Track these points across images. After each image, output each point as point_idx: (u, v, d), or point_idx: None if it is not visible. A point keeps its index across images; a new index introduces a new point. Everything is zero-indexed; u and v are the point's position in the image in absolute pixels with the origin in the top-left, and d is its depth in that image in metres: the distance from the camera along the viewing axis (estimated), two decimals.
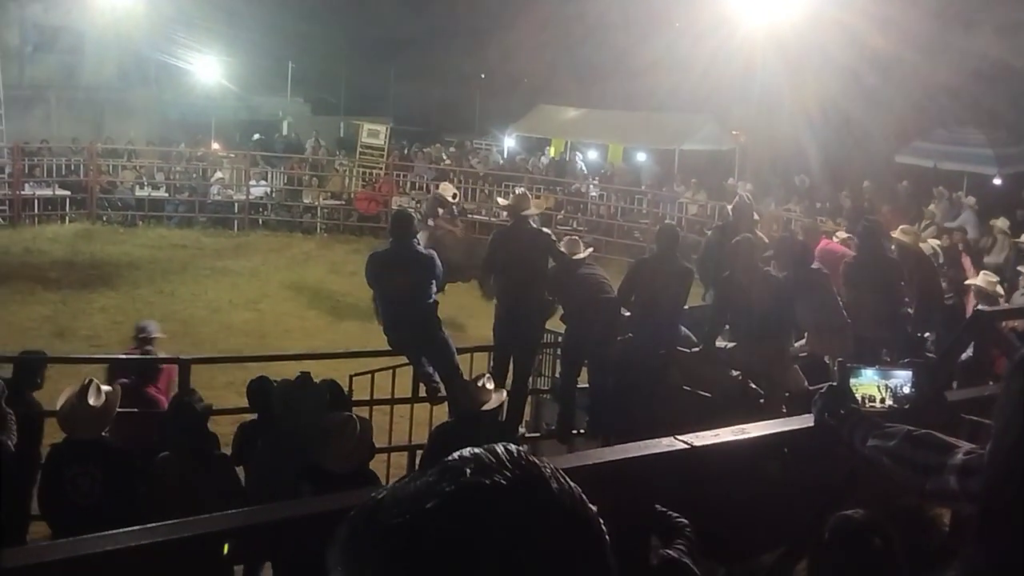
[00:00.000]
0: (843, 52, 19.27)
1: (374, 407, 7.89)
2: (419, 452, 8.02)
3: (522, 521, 0.92)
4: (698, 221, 18.69)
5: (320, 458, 5.24)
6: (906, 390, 3.05)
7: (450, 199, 13.87)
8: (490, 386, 6.37)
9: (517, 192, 9.00)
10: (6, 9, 22.63)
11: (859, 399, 2.94)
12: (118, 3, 24.06)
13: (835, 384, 2.99)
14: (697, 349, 8.10)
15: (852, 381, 2.99)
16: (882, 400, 3.02)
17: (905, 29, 19.00)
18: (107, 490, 5.32)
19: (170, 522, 1.80)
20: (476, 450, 0.99)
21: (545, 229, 8.55)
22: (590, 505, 1.00)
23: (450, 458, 0.98)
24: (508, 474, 0.95)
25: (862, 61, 19.80)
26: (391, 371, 8.29)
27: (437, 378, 8.00)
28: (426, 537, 0.91)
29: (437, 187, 15.39)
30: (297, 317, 14.27)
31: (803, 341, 8.40)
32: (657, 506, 2.61)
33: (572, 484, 0.99)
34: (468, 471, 0.95)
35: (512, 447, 1.01)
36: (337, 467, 5.17)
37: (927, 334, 8.94)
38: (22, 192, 19.70)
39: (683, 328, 8.33)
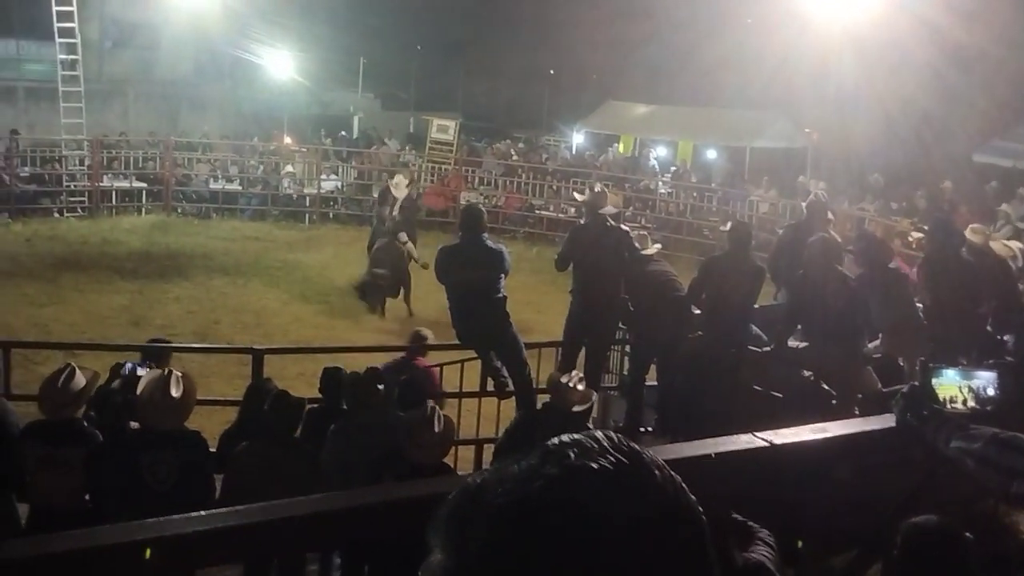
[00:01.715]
0: (922, 47, 18.84)
1: (444, 400, 7.93)
2: (487, 447, 8.09)
3: (627, 506, 0.92)
4: (769, 219, 18.47)
5: (404, 449, 5.32)
6: (990, 392, 2.98)
7: (394, 193, 14.98)
8: (581, 386, 6.36)
9: (595, 188, 8.95)
10: (86, 5, 23.13)
11: (941, 400, 2.88)
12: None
13: (916, 384, 2.94)
14: (768, 348, 8.00)
15: (934, 382, 2.93)
16: (964, 402, 2.95)
17: (989, 23, 18.53)
18: (183, 477, 5.43)
19: (260, 504, 1.82)
20: (576, 435, 1.00)
21: (624, 226, 8.51)
22: (691, 495, 1.00)
23: (551, 442, 0.99)
24: (612, 459, 0.95)
25: (943, 56, 19.34)
26: (459, 365, 8.34)
27: (505, 373, 8.03)
28: (531, 518, 0.91)
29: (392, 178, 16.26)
30: (366, 310, 14.38)
31: (877, 342, 8.26)
32: (735, 514, 2.58)
33: (673, 473, 0.99)
34: (572, 454, 0.95)
35: (612, 433, 1.01)
36: (421, 458, 5.26)
37: (1006, 336, 8.73)
38: (101, 184, 20.16)
39: (754, 327, 8.25)
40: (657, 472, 0.97)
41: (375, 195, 21.59)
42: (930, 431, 2.65)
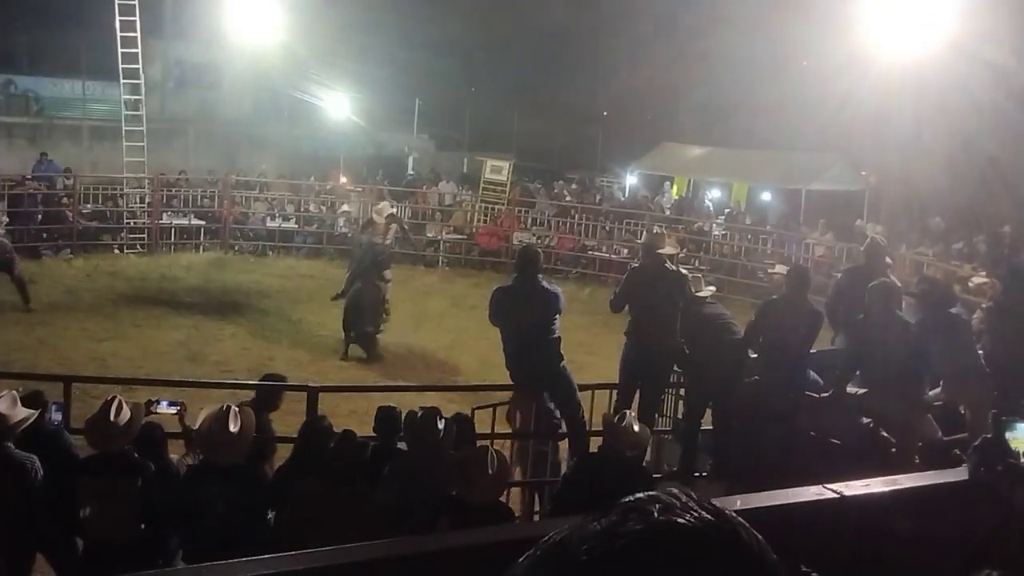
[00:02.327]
0: (985, 89, 18.61)
1: (494, 441, 7.88)
2: (539, 488, 8.03)
3: (715, 564, 0.90)
4: (825, 263, 18.26)
5: (459, 490, 5.29)
6: None
7: (377, 218, 14.83)
8: (636, 427, 6.30)
9: (654, 231, 8.93)
10: (151, 46, 23.70)
11: (1016, 453, 2.79)
12: (255, 41, 24.95)
13: (990, 437, 2.85)
14: (826, 394, 7.87)
15: (1007, 435, 2.84)
16: None
17: None
18: (239, 512, 5.44)
19: (326, 549, 1.80)
20: (654, 492, 0.99)
21: (683, 270, 8.45)
22: (772, 553, 0.97)
23: (630, 498, 0.97)
24: (696, 516, 0.93)
25: (1007, 98, 19.06)
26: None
27: (558, 414, 7.98)
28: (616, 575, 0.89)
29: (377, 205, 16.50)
30: (418, 348, 14.41)
31: (938, 389, 8.08)
32: (803, 567, 2.51)
33: (755, 531, 0.97)
34: (655, 511, 0.93)
35: (688, 491, 1.00)
36: (478, 499, 5.23)
37: None
38: (160, 221, 20.52)
39: (811, 372, 8.12)
40: (742, 530, 0.95)
41: (428, 235, 21.80)
42: (1005, 485, 2.56)
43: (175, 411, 6.50)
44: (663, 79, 28.34)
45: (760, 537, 0.97)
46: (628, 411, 6.75)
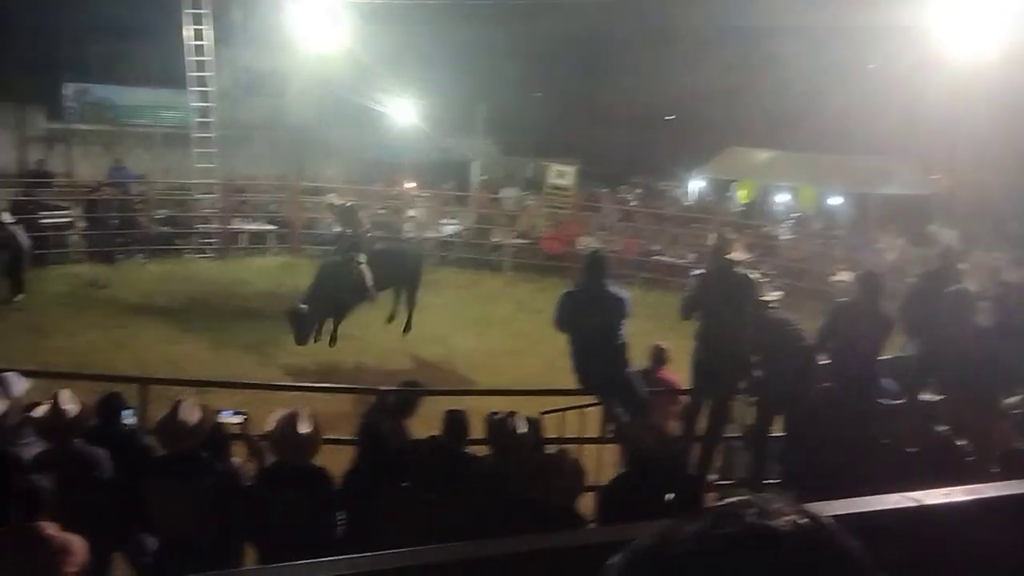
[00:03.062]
0: None
1: (563, 446, 7.88)
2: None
3: (810, 568, 0.90)
4: (896, 268, 17.94)
5: (538, 493, 5.33)
6: None
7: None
8: (651, 434, 6.31)
9: (722, 235, 8.84)
10: (220, 54, 24.09)
11: None
12: (321, 48, 25.25)
13: None
14: (900, 401, 7.73)
15: None
16: None
17: None
18: (309, 515, 5.51)
19: (397, 551, 1.82)
20: (745, 496, 0.99)
21: (752, 274, 8.37)
22: (868, 559, 0.97)
23: (723, 503, 0.98)
24: (791, 520, 0.93)
25: None
26: (581, 410, 8.29)
27: (626, 419, 7.95)
28: None
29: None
30: (484, 353, 14.46)
31: (1018, 397, 7.90)
32: None
33: (850, 537, 0.97)
34: (749, 514, 0.93)
35: (782, 496, 1.00)
36: (556, 502, 5.26)
37: None
38: (230, 226, 20.87)
39: (883, 379, 7.99)
40: (838, 535, 0.95)
41: (494, 239, 21.85)
42: None
43: (239, 420, 6.59)
44: (729, 82, 28.10)
45: (858, 544, 0.97)
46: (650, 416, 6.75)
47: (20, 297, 15.60)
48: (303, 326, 13.06)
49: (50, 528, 5.03)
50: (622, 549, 1.08)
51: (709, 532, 0.93)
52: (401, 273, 14.44)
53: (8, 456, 5.99)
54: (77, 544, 5.04)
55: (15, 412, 6.21)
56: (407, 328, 14.29)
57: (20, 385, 6.80)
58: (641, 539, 0.98)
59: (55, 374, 9.42)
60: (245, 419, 6.58)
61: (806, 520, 0.94)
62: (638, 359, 8.77)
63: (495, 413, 6.87)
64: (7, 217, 16.44)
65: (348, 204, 14.83)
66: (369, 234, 14.57)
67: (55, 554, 4.95)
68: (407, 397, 7.43)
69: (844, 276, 13.39)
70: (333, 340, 13.60)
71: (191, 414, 5.83)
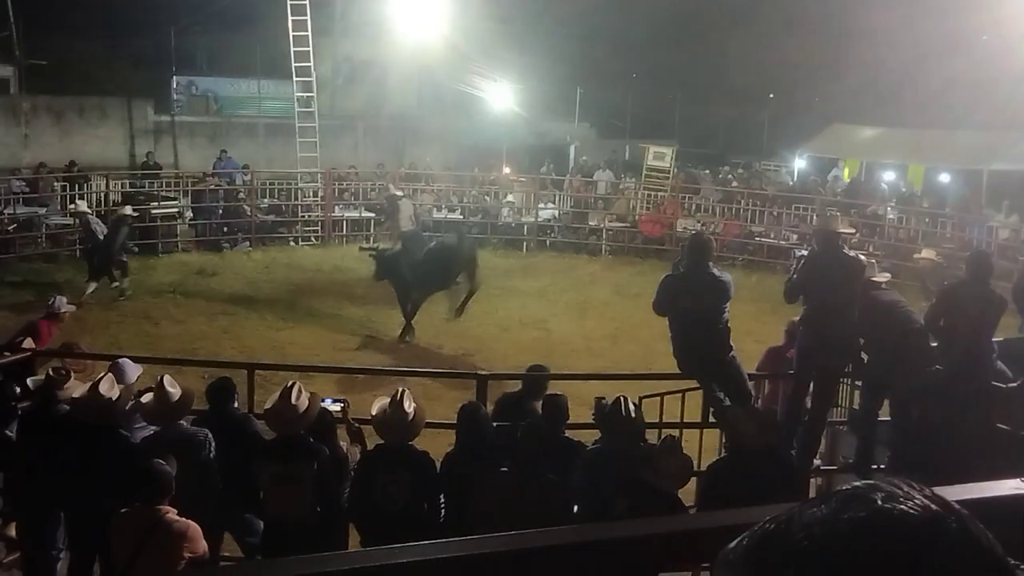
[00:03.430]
0: None
1: (663, 430, 7.81)
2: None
3: (940, 553, 0.87)
4: (1010, 247, 17.33)
5: (648, 476, 5.34)
6: None
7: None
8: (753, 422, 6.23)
9: (826, 215, 8.63)
10: (320, 44, 24.50)
11: None
12: (419, 36, 25.48)
13: None
14: (1015, 384, 7.45)
15: None
16: None
17: None
18: (413, 497, 5.58)
19: (505, 534, 1.81)
20: (872, 480, 0.97)
21: (861, 256, 8.15)
22: (1000, 546, 0.93)
23: (849, 486, 0.95)
24: (921, 504, 0.90)
25: None
26: (680, 395, 8.20)
27: (728, 403, 7.83)
28: (840, 562, 0.88)
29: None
30: (582, 337, 14.43)
31: None
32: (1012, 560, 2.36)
33: (980, 523, 0.93)
34: (878, 498, 0.91)
35: (910, 481, 0.97)
36: (665, 486, 5.27)
37: None
38: (333, 214, 21.21)
39: (998, 362, 7.70)
40: (969, 520, 0.91)
41: (591, 223, 21.77)
42: None
43: (339, 407, 6.67)
44: (831, 58, 27.45)
45: (988, 532, 0.93)
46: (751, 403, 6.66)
47: (93, 287, 15.53)
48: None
49: (170, 512, 5.18)
50: (727, 535, 1.06)
51: (836, 516, 0.91)
52: (456, 264, 14.32)
53: (132, 440, 6.21)
54: (195, 530, 5.18)
55: (128, 397, 6.43)
56: (460, 312, 14.20)
57: (133, 371, 7.03)
58: (761, 524, 0.96)
59: (165, 360, 9.73)
60: (344, 405, 6.66)
61: (937, 505, 0.91)
62: (739, 343, 8.64)
63: (602, 398, 6.86)
64: (83, 206, 17.00)
65: (399, 196, 15.04)
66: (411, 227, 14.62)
67: (174, 538, 5.10)
68: (537, 382, 7.44)
69: (928, 254, 12.97)
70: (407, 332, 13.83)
71: (301, 400, 5.94)
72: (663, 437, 5.85)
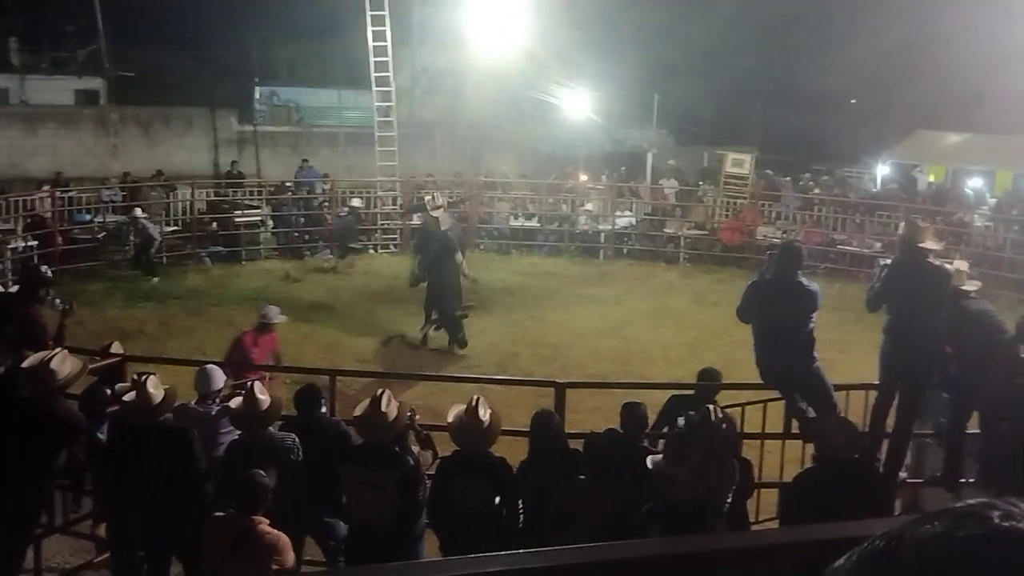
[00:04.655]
0: None
1: (744, 441, 7.71)
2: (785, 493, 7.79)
3: None
4: None
5: (666, 490, 5.31)
6: None
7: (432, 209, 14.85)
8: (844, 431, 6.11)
9: (912, 223, 8.44)
10: (399, 54, 24.74)
11: None
12: (495, 44, 25.58)
13: None
14: None
15: None
16: None
17: None
18: (492, 503, 5.60)
19: (593, 545, 1.81)
20: (987, 500, 0.94)
21: (947, 265, 7.96)
22: None
23: (963, 504, 0.93)
24: None
25: None
26: (762, 405, 8.09)
27: (811, 414, 7.70)
28: None
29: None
30: (660, 345, 14.33)
31: None
32: None
33: None
34: (995, 516, 0.88)
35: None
36: (674, 495, 5.23)
37: None
38: (411, 222, 21.37)
39: None
40: None
41: (667, 230, 21.62)
42: None
43: (408, 414, 6.71)
44: (915, 63, 26.85)
45: None
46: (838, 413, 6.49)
47: (155, 280, 17.37)
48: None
49: (263, 523, 5.23)
50: (813, 550, 1.04)
51: (951, 534, 0.88)
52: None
53: (196, 443, 6.31)
54: (285, 543, 5.23)
55: (174, 398, 6.52)
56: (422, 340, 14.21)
57: (219, 377, 7.17)
58: (871, 541, 0.94)
59: (250, 366, 9.89)
60: (412, 413, 6.69)
61: None
62: (822, 352, 8.50)
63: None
64: (140, 213, 18.47)
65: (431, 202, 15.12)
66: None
67: (265, 549, 5.15)
68: (708, 391, 7.41)
69: (960, 265, 12.55)
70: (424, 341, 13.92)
71: (390, 408, 5.99)
72: (672, 444, 5.77)
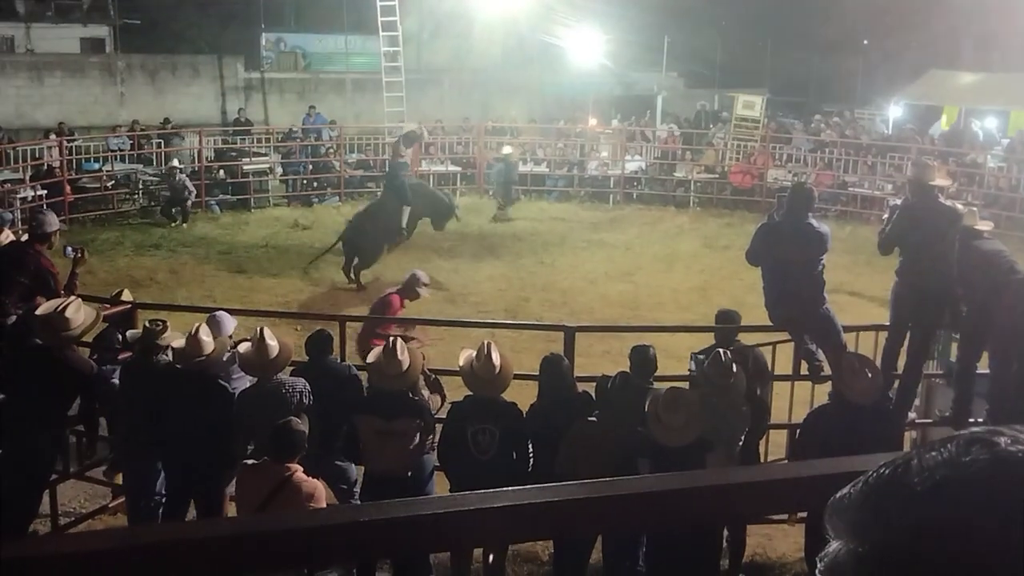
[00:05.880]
0: None
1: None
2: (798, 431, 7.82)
3: None
4: None
5: (656, 433, 5.33)
6: None
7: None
8: (869, 374, 6.09)
9: (923, 164, 8.34)
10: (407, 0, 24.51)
11: None
12: None
13: None
14: None
15: None
16: None
17: None
18: (502, 447, 5.64)
19: (602, 480, 1.82)
20: (993, 427, 0.93)
21: (958, 205, 7.90)
22: None
23: (972, 431, 0.92)
24: None
25: None
26: (771, 347, 8.10)
27: (821, 356, 7.71)
28: (964, 505, 0.85)
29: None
30: (670, 290, 14.32)
31: None
32: None
33: None
34: (1002, 442, 0.88)
35: None
36: (666, 441, 5.26)
37: None
38: (418, 168, 21.30)
39: None
40: None
41: (678, 174, 21.51)
42: None
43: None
44: (928, 2, 26.43)
45: None
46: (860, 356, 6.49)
47: (184, 225, 17.82)
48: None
49: (299, 471, 5.24)
50: (825, 484, 1.04)
51: (958, 459, 0.88)
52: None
53: (231, 390, 6.36)
54: (320, 492, 5.24)
55: (224, 348, 6.58)
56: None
57: (230, 324, 7.20)
58: (876, 469, 0.93)
59: (259, 312, 9.95)
60: (422, 356, 6.71)
61: None
62: (832, 295, 8.49)
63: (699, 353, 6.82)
64: (177, 163, 18.74)
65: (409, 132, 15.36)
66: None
67: (302, 497, 5.16)
68: (728, 333, 7.36)
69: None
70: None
71: (404, 356, 5.98)
72: (666, 390, 5.78)
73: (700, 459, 5.53)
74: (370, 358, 6.23)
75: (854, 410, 6.03)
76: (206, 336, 6.27)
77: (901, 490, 0.88)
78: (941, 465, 0.88)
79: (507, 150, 20.28)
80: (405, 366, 5.94)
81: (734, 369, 6.12)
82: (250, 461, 5.52)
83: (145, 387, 6.37)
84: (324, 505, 5.31)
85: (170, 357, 6.40)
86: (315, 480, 5.29)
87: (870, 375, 6.18)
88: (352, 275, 14.09)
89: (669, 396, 5.61)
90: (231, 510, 6.73)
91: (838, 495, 0.94)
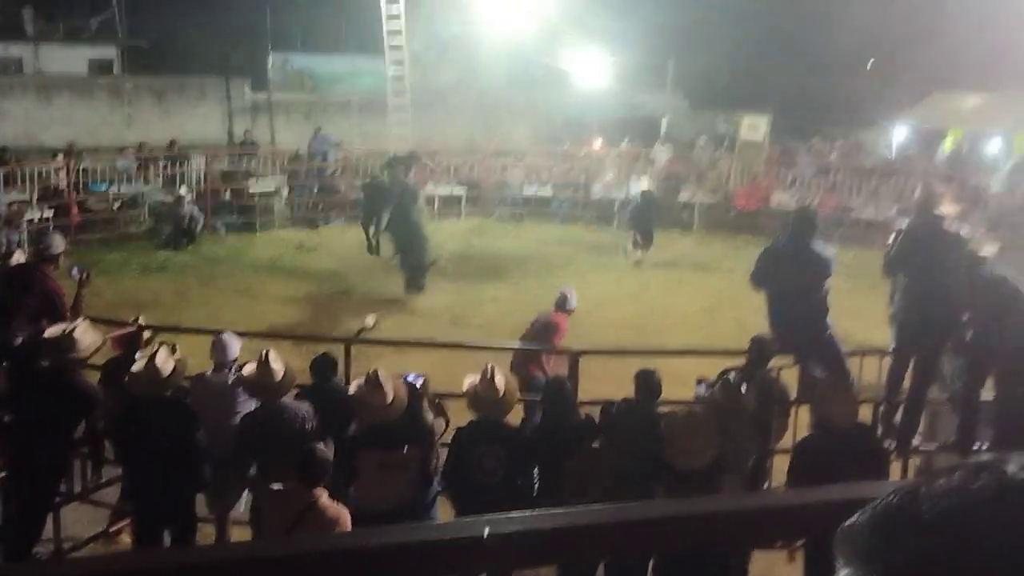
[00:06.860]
0: None
1: None
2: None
3: None
4: None
5: (670, 456, 5.32)
6: None
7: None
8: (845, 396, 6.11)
9: (928, 188, 8.38)
10: (415, 20, 24.61)
11: None
12: (508, 9, 25.38)
13: None
14: None
15: None
16: None
17: None
18: (510, 470, 5.63)
19: (615, 505, 1.84)
20: (1001, 455, 0.95)
21: (962, 231, 7.92)
22: None
23: (980, 458, 0.94)
24: None
25: None
26: (776, 372, 8.09)
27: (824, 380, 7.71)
28: (971, 532, 0.87)
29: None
30: (676, 312, 14.32)
31: None
32: None
33: None
34: (1008, 469, 0.89)
35: None
36: (682, 465, 5.25)
37: None
38: (424, 191, 21.34)
39: None
40: None
41: (682, 197, 21.51)
42: None
43: (420, 383, 6.71)
44: (934, 23, 26.49)
45: None
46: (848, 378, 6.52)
47: (190, 247, 18.03)
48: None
49: (324, 496, 5.23)
50: (820, 511, 1.05)
51: (966, 486, 0.89)
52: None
53: (194, 413, 6.34)
54: (345, 517, 5.21)
55: (184, 369, 6.56)
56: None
57: (235, 345, 7.21)
58: (884, 497, 0.95)
59: (264, 334, 9.96)
60: (425, 380, 6.70)
61: None
62: (836, 320, 8.49)
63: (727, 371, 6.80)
64: (184, 191, 18.74)
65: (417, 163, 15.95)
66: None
67: (326, 523, 5.14)
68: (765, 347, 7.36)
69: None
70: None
71: (389, 387, 5.92)
72: (682, 412, 5.78)
73: (718, 482, 5.53)
74: (351, 389, 6.17)
75: (836, 438, 6.03)
76: (162, 361, 6.23)
77: (910, 517, 0.90)
78: (949, 493, 0.89)
79: (645, 184, 18.90)
80: (390, 398, 5.89)
81: (743, 391, 6.14)
82: (276, 486, 5.46)
83: (136, 412, 6.34)
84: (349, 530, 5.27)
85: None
86: (339, 506, 5.26)
87: (846, 398, 6.19)
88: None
89: (685, 418, 5.61)
90: (235, 534, 6.74)
91: (847, 522, 0.96)
